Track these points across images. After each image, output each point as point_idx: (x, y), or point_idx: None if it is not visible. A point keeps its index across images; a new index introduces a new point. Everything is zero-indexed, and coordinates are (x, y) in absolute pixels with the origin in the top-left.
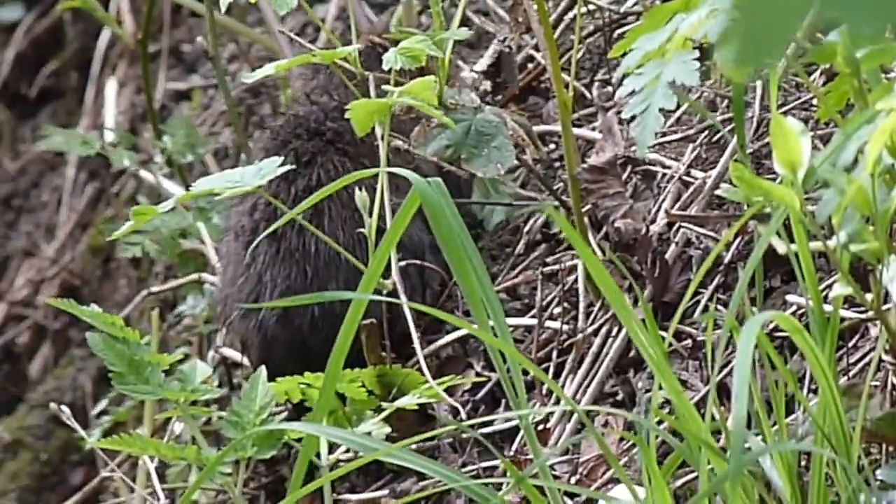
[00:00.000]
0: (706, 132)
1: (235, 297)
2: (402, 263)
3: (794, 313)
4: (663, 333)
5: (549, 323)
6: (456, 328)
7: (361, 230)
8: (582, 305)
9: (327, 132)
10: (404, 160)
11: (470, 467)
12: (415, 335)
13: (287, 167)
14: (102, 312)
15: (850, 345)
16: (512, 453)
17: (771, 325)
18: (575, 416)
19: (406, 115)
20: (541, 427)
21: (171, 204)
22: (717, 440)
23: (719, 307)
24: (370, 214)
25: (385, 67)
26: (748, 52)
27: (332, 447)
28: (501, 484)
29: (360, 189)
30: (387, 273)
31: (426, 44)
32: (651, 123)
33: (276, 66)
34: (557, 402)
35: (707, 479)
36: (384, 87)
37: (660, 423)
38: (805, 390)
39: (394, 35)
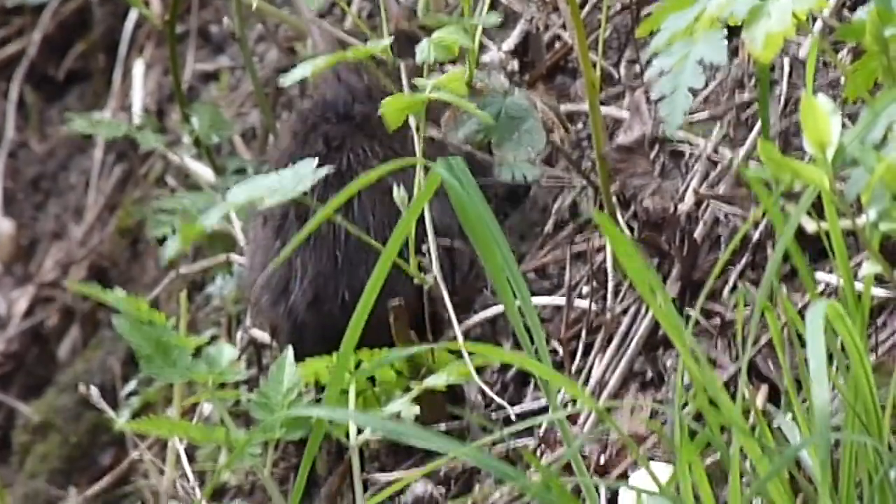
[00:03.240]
0: (734, 111)
1: (265, 282)
2: (433, 242)
3: (822, 292)
4: (691, 312)
5: (577, 302)
6: (485, 308)
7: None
8: (611, 284)
9: (356, 116)
10: (436, 147)
11: (499, 446)
12: (453, 317)
13: (326, 169)
14: (128, 296)
15: (880, 322)
16: (542, 432)
17: (800, 304)
18: (604, 395)
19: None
20: (569, 407)
21: (215, 220)
22: (747, 419)
23: (748, 285)
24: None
25: (418, 61)
26: None
27: (362, 427)
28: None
29: (399, 185)
30: (418, 253)
31: (459, 34)
32: (680, 103)
33: (314, 67)
34: (586, 382)
35: (738, 459)
36: (416, 80)
37: (686, 404)
38: (834, 368)
39: (423, 21)
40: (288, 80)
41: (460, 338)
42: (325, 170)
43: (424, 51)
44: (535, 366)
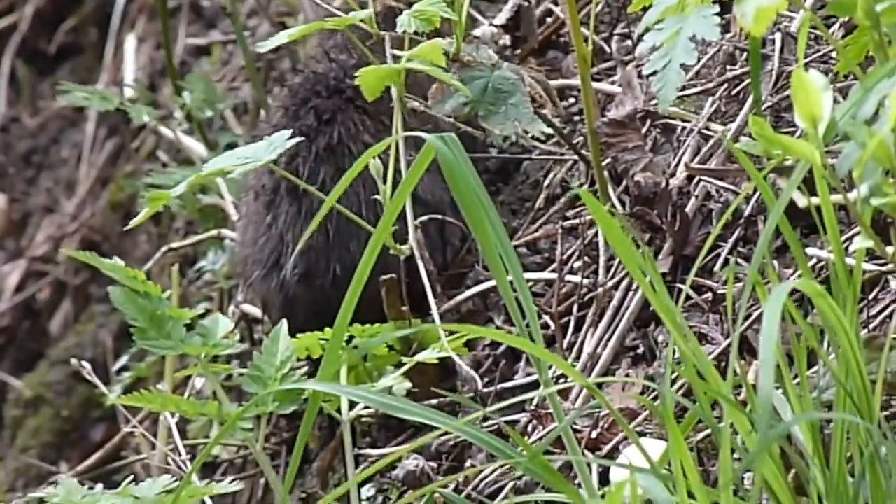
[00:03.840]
0: (725, 85)
1: (256, 257)
2: (424, 218)
3: (813, 267)
4: (682, 286)
5: (569, 277)
6: (477, 282)
7: (376, 197)
8: (602, 259)
9: (347, 90)
10: (422, 120)
11: (491, 422)
12: (430, 295)
13: (296, 140)
14: (124, 266)
15: (871, 297)
16: (533, 407)
17: (791, 279)
18: (596, 370)
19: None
20: (561, 382)
21: (182, 189)
22: (739, 394)
23: (739, 260)
24: (385, 175)
25: (399, 31)
26: None
27: (353, 402)
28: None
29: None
30: (405, 231)
31: (439, 6)
32: (672, 79)
33: (290, 35)
34: (578, 356)
35: (728, 434)
36: (395, 52)
37: (677, 378)
38: (826, 343)
39: None
40: (266, 46)
41: (437, 318)
42: (297, 139)
43: (405, 22)
44: (524, 344)
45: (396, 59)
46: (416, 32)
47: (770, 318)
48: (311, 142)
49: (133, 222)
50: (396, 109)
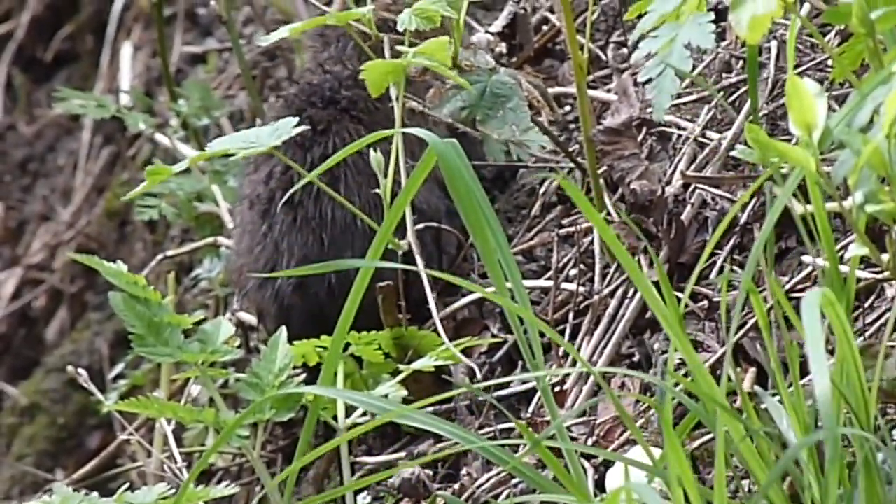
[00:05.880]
0: (721, 93)
1: (252, 266)
2: (420, 226)
3: (808, 275)
4: (679, 295)
5: (565, 285)
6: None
7: (377, 191)
8: (598, 267)
9: (342, 100)
10: (418, 124)
11: (487, 429)
12: (431, 299)
13: (303, 127)
14: (125, 272)
15: (867, 305)
16: (529, 415)
17: (787, 286)
18: (591, 377)
19: (420, 79)
20: (557, 389)
21: (185, 165)
22: (733, 401)
23: (735, 268)
24: (385, 176)
25: (399, 28)
26: None
27: (349, 410)
28: (518, 446)
29: (375, 150)
30: (402, 236)
31: (440, 4)
32: (667, 87)
33: (291, 29)
34: (574, 363)
35: (723, 440)
36: (398, 47)
37: (676, 384)
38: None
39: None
40: (267, 40)
41: (439, 325)
42: (303, 128)
43: (405, 20)
44: (536, 321)
45: (397, 57)
46: (415, 34)
47: (812, 328)
48: (306, 152)
49: (132, 193)
50: (397, 108)
